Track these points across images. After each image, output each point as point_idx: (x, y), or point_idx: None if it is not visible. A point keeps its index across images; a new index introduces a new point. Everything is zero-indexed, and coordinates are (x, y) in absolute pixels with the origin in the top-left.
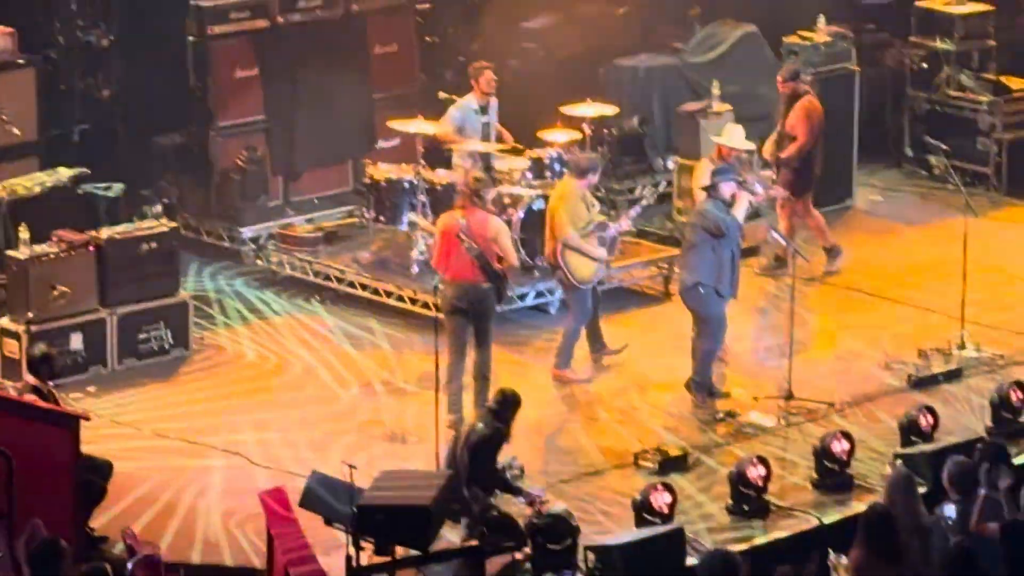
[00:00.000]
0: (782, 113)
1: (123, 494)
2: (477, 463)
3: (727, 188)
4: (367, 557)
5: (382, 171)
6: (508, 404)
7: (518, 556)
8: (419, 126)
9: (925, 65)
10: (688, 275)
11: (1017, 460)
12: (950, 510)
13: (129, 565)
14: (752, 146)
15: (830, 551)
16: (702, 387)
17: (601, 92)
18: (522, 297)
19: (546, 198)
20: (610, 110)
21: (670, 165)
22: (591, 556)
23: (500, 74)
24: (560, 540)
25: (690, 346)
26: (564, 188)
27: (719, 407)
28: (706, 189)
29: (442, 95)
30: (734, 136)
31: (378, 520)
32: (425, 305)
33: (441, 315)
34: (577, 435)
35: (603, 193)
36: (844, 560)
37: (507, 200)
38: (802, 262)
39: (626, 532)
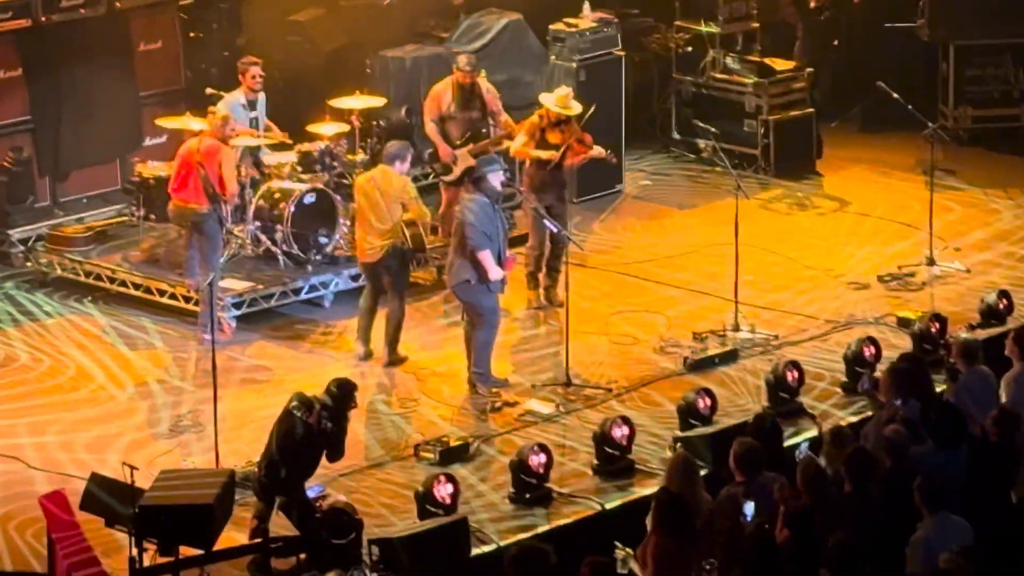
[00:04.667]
0: None
1: None
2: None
3: (495, 179)
4: (150, 558)
5: (151, 169)
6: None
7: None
8: (186, 123)
9: (690, 49)
10: (458, 270)
11: (791, 440)
12: (749, 508)
13: None
14: (578, 109)
15: (616, 544)
16: (483, 378)
17: (369, 84)
18: (296, 291)
19: (318, 191)
20: (378, 101)
21: None
22: (375, 549)
23: (267, 69)
24: (343, 534)
25: (463, 337)
26: (388, 177)
27: (497, 396)
28: (474, 181)
29: (209, 91)
30: (552, 97)
31: (160, 520)
32: (196, 302)
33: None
34: (356, 428)
35: None
36: (631, 551)
37: (277, 194)
38: (573, 247)
39: (409, 525)
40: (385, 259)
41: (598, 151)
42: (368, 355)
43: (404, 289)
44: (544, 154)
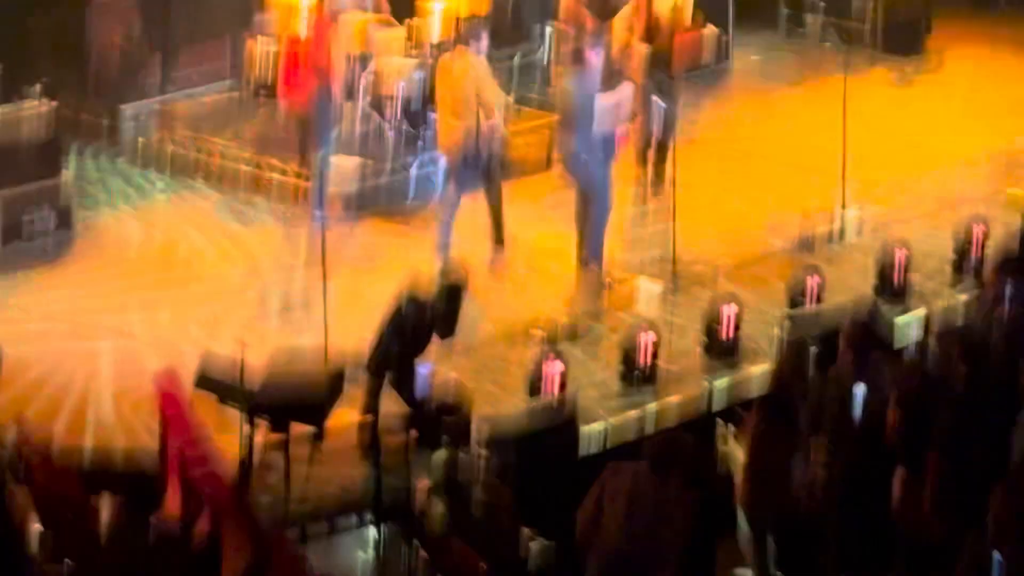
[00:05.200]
0: None
1: (13, 379)
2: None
3: (594, 57)
4: (263, 434)
5: (262, 45)
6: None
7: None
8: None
9: None
10: (567, 143)
11: (900, 319)
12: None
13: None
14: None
15: (718, 420)
16: (597, 257)
17: None
18: (407, 167)
19: (429, 68)
20: None
21: (547, 31)
22: (484, 428)
23: None
24: (452, 412)
25: (575, 214)
26: (471, 62)
27: (609, 275)
28: (574, 54)
29: None
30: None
31: (273, 399)
32: (308, 179)
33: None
34: (466, 306)
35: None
36: (732, 429)
37: (387, 71)
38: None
39: (519, 406)
40: (466, 141)
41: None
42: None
43: (496, 172)
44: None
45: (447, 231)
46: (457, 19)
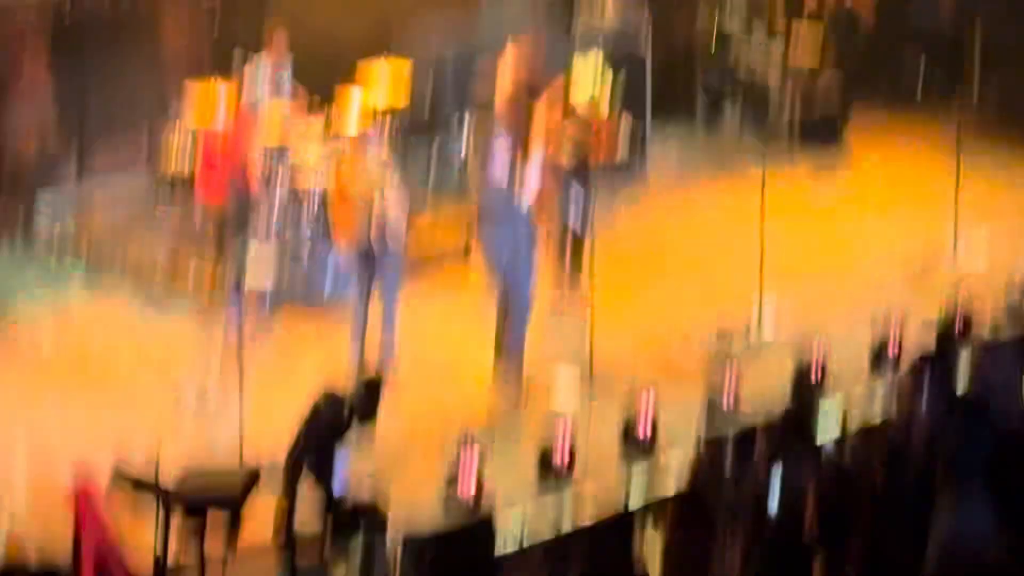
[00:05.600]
0: None
1: None
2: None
3: (505, 146)
4: (174, 552)
5: (180, 133)
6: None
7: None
8: (212, 89)
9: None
10: (488, 235)
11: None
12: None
13: None
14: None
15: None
16: (515, 350)
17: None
18: (324, 257)
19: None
20: (405, 67)
21: (465, 120)
22: (400, 523)
23: (295, 32)
24: (370, 503)
25: (496, 306)
26: (368, 155)
27: (527, 367)
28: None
29: (235, 54)
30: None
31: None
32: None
33: None
34: (384, 399)
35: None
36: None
37: (305, 163)
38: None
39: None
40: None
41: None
42: None
43: (393, 286)
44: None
45: (360, 323)
46: (374, 110)
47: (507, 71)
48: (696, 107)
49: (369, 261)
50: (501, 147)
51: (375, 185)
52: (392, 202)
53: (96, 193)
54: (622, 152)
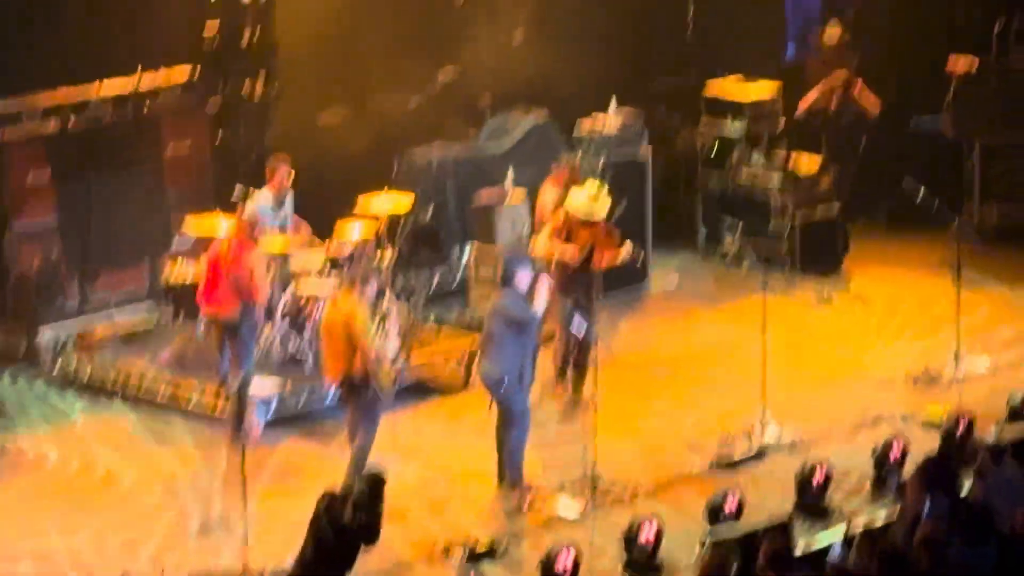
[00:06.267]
0: None
1: None
2: None
3: (524, 278)
4: None
5: (180, 271)
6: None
7: None
8: (215, 224)
9: (716, 146)
10: (491, 366)
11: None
12: None
13: None
14: (601, 214)
15: None
16: (516, 479)
17: (396, 184)
18: (324, 396)
19: None
20: (406, 201)
21: (466, 254)
22: None
23: (295, 169)
24: None
25: (495, 437)
26: (354, 307)
27: (527, 496)
28: (503, 280)
29: (237, 190)
30: (582, 197)
31: None
32: (227, 402)
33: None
34: (384, 529)
35: (401, 284)
36: None
37: (305, 297)
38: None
39: None
40: (347, 387)
41: (625, 251)
42: None
43: (373, 423)
44: (567, 254)
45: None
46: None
47: (548, 199)
48: (696, 235)
49: (356, 392)
50: (525, 273)
51: (365, 323)
52: (390, 334)
53: (98, 325)
54: (624, 253)
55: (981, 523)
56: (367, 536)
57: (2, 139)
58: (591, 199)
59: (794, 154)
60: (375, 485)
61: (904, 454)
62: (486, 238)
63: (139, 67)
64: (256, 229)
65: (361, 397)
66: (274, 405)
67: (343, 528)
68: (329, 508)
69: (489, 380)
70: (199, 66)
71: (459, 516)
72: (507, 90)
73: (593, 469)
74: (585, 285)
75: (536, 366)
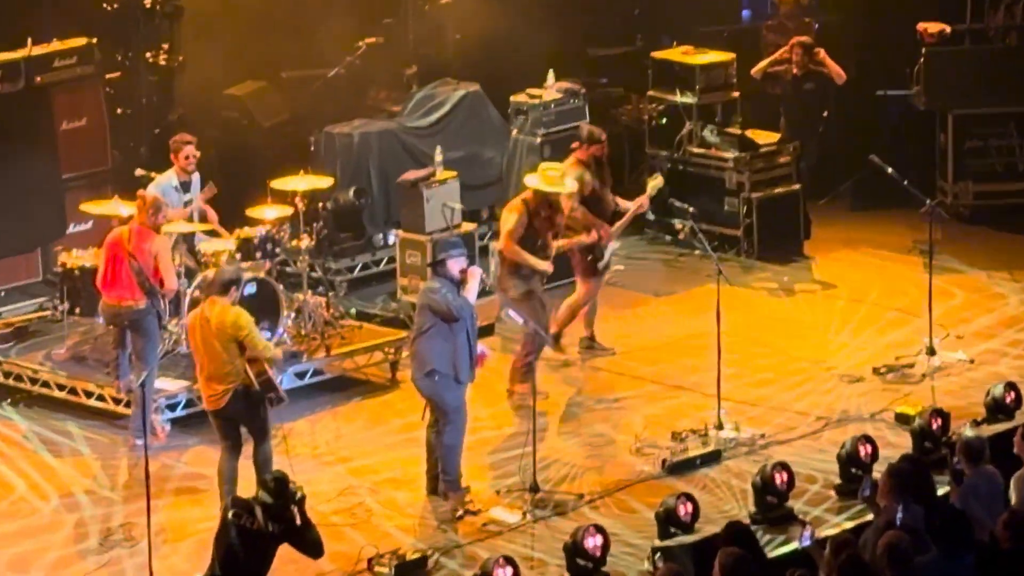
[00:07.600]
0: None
1: None
2: None
3: (455, 265)
4: None
5: (75, 258)
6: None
7: None
8: (114, 208)
9: (664, 121)
10: (421, 362)
11: (781, 549)
12: None
13: None
14: (572, 188)
15: None
16: (453, 485)
17: (314, 162)
18: None
19: (259, 281)
20: (324, 182)
21: (391, 239)
22: None
23: (202, 147)
24: None
25: (425, 439)
26: (219, 311)
27: (463, 505)
28: (432, 267)
29: (139, 172)
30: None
31: None
32: (128, 404)
33: None
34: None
35: (320, 273)
36: None
37: None
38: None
39: None
40: (232, 405)
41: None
42: None
43: (266, 432)
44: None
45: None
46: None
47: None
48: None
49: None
50: (456, 260)
51: (251, 327)
52: (259, 356)
53: None
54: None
55: (958, 531)
56: (303, 543)
57: None
58: (547, 174)
59: (750, 129)
60: (283, 486)
61: (874, 456)
62: (413, 221)
63: (29, 36)
64: (160, 213)
65: (246, 414)
66: (181, 406)
67: (252, 537)
68: (237, 517)
69: (418, 376)
70: (96, 35)
71: (385, 526)
72: (435, 61)
73: (534, 477)
74: (542, 273)
75: (474, 360)
